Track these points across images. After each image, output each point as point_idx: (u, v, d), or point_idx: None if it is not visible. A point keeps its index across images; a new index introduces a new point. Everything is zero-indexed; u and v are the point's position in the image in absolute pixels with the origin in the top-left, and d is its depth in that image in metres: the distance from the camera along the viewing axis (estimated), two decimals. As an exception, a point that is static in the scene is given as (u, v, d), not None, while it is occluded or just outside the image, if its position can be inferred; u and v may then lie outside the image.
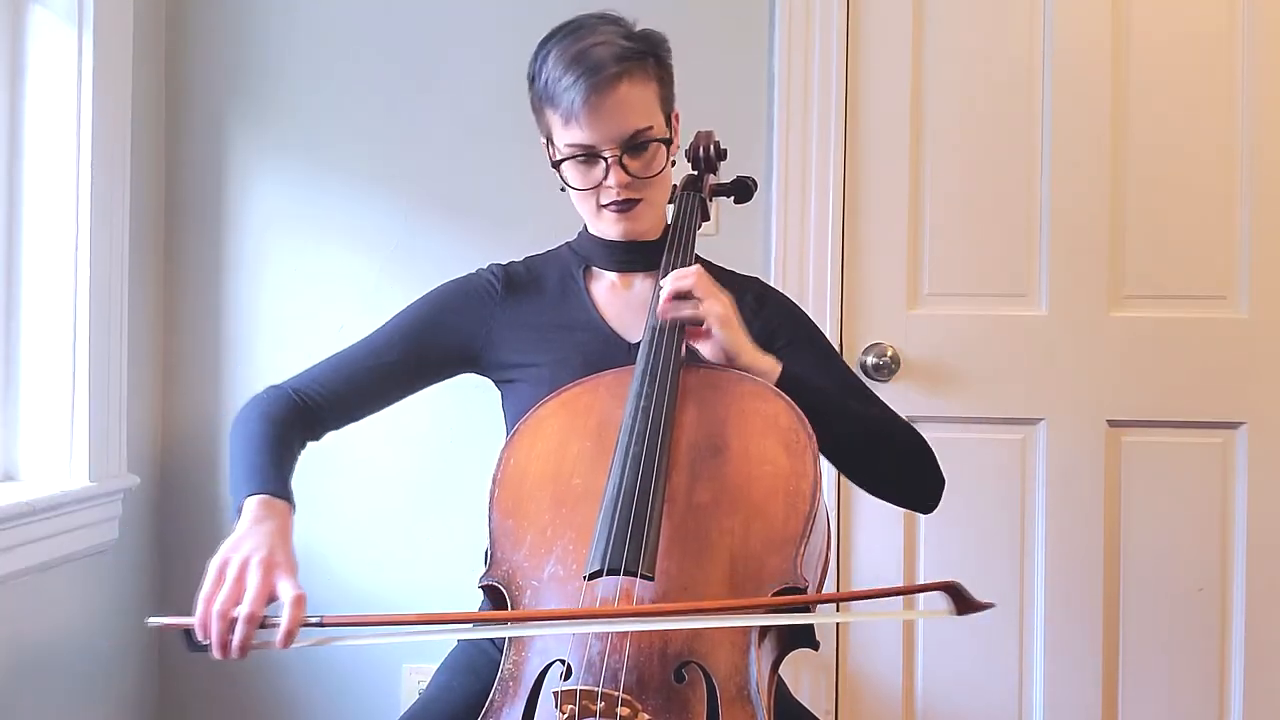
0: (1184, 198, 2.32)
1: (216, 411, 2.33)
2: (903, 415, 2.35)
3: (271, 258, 2.34)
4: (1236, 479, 2.32)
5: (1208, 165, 2.32)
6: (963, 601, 1.16)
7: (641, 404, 1.38)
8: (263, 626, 1.23)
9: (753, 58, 2.31)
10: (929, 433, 1.53)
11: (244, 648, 1.23)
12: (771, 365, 1.47)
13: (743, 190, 1.76)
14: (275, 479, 1.41)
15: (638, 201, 1.53)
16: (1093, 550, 2.31)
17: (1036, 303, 2.34)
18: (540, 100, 1.54)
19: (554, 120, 1.52)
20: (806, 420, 1.40)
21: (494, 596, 1.35)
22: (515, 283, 1.64)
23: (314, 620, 1.22)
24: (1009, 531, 2.33)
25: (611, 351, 1.55)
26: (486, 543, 1.39)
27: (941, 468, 1.58)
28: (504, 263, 1.68)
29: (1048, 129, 2.33)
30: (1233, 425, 2.32)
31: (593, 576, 1.24)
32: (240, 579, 1.26)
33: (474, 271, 1.67)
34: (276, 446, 1.46)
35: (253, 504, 1.36)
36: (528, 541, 1.35)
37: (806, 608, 1.27)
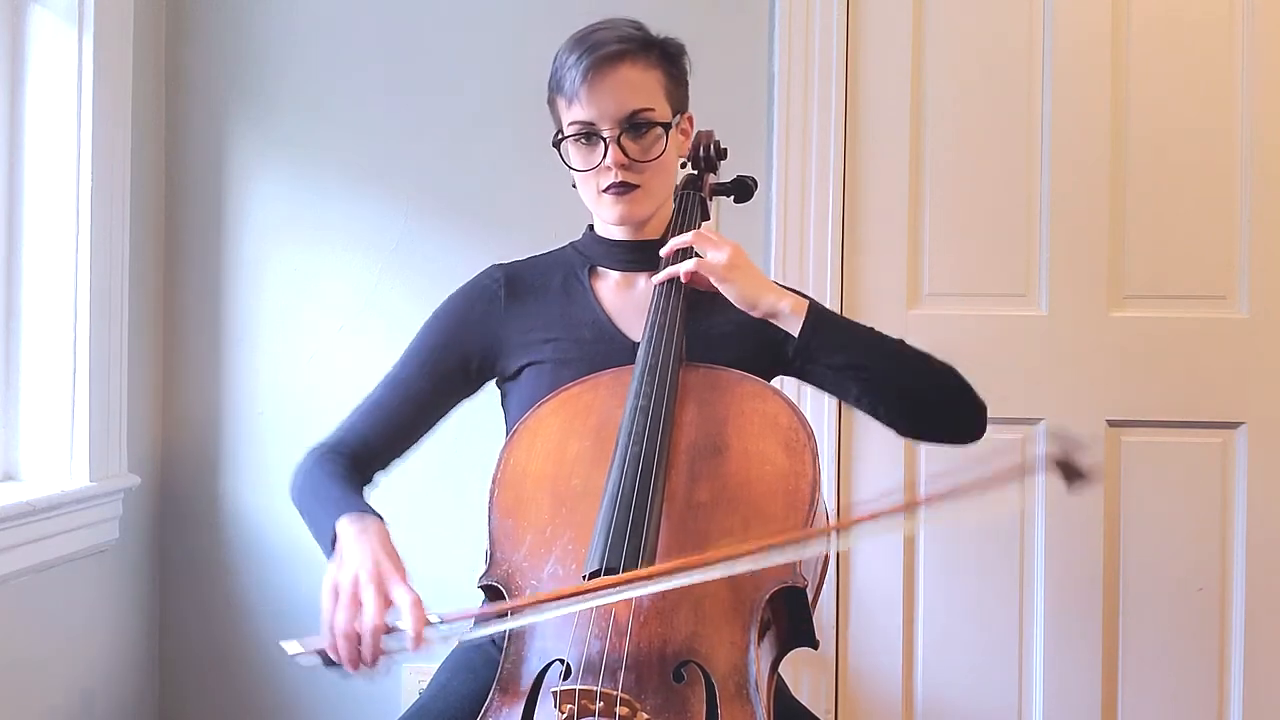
0: (1184, 198, 2.32)
1: (217, 411, 2.34)
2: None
3: (271, 257, 2.34)
4: (1236, 479, 2.32)
5: (1208, 165, 2.32)
6: (1073, 472, 1.16)
7: (641, 403, 1.38)
8: (387, 633, 1.25)
9: (753, 58, 2.31)
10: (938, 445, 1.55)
11: (374, 659, 1.26)
12: (796, 301, 1.48)
13: (743, 190, 1.76)
14: (357, 502, 1.43)
15: (635, 186, 1.53)
16: (1093, 550, 2.31)
17: (1036, 303, 2.34)
18: (551, 91, 1.57)
19: (560, 104, 1.54)
20: (806, 420, 1.40)
21: (494, 597, 1.35)
22: (517, 282, 1.64)
23: (435, 619, 1.25)
24: (1009, 531, 2.33)
25: (615, 350, 1.55)
26: (486, 543, 1.39)
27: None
28: (505, 263, 1.68)
29: (1048, 129, 2.33)
30: (1233, 425, 2.32)
31: (593, 575, 1.24)
32: (355, 595, 1.28)
33: (474, 277, 1.67)
34: (345, 482, 1.49)
35: (344, 524, 1.37)
36: (527, 541, 1.35)
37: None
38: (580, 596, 1.22)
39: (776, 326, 1.50)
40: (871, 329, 1.55)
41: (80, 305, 2.03)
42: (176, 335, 2.35)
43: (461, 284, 1.67)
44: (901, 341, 1.55)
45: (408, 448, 1.63)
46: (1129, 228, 2.33)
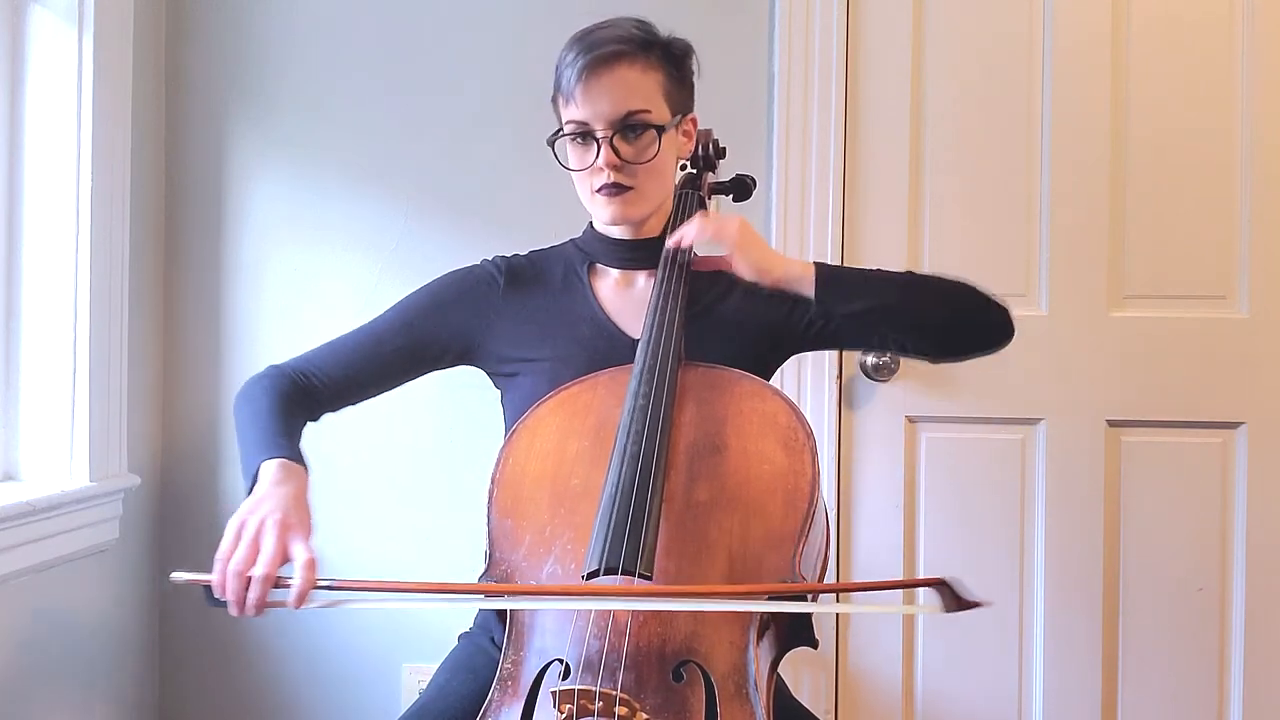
0: (1184, 197, 2.32)
1: (216, 412, 2.34)
2: (902, 415, 2.37)
3: (271, 257, 2.34)
4: (1236, 479, 2.32)
5: (1208, 166, 2.32)
6: (953, 599, 1.16)
7: (640, 403, 1.38)
8: (277, 586, 1.27)
9: (753, 58, 2.31)
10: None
11: (259, 606, 1.27)
12: (804, 267, 1.51)
13: (741, 188, 1.76)
14: (289, 445, 1.43)
15: (628, 188, 1.53)
16: (1092, 550, 2.31)
17: (1036, 303, 2.34)
18: (555, 88, 1.56)
19: (560, 102, 1.55)
20: (805, 419, 1.41)
21: (493, 596, 1.35)
22: (518, 275, 1.64)
23: (325, 583, 1.26)
24: (1009, 531, 2.33)
25: (615, 347, 1.55)
26: (485, 542, 1.39)
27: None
28: (507, 255, 1.68)
29: (1048, 129, 2.32)
30: (1233, 425, 2.32)
31: (591, 576, 1.24)
32: (256, 539, 1.29)
33: (477, 263, 1.68)
34: (285, 417, 1.48)
35: (271, 467, 1.38)
36: (526, 541, 1.35)
37: (803, 596, 1.28)
38: (560, 596, 1.25)
39: (778, 307, 1.52)
40: (879, 270, 1.59)
41: (80, 305, 2.03)
42: (176, 336, 2.35)
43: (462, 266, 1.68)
44: (910, 272, 1.61)
45: (364, 399, 1.64)
46: (1129, 228, 2.32)
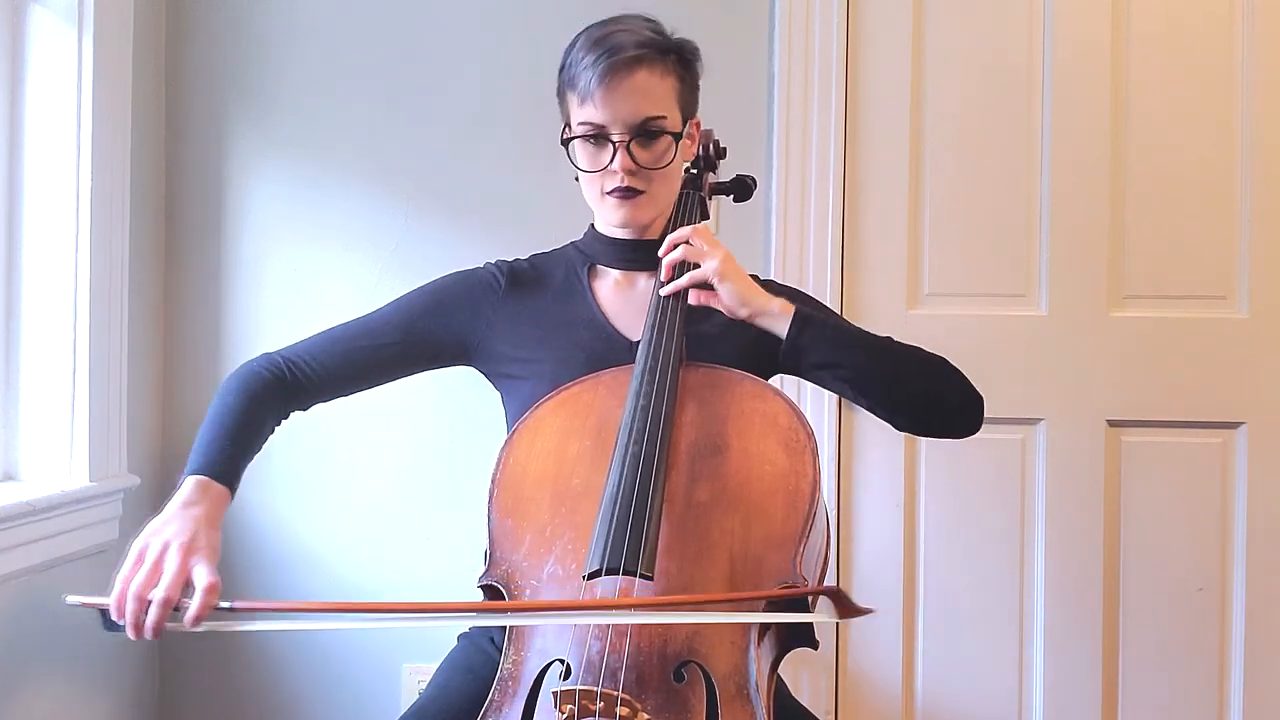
0: (1184, 198, 2.32)
1: (216, 411, 2.33)
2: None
3: (271, 257, 2.34)
4: (1236, 479, 2.32)
5: (1207, 165, 2.32)
6: (844, 606, 1.17)
7: (641, 403, 1.38)
8: (176, 609, 1.28)
9: (753, 58, 2.31)
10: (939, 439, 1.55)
11: (156, 629, 1.28)
12: (783, 306, 1.49)
13: (742, 189, 1.76)
14: (223, 461, 1.43)
15: (640, 192, 1.53)
16: (1093, 550, 2.31)
17: (1036, 303, 2.34)
18: (563, 84, 1.56)
19: (572, 101, 1.54)
20: (806, 419, 1.41)
21: (493, 597, 1.35)
22: (519, 278, 1.64)
23: (224, 606, 1.27)
24: (1009, 531, 2.33)
25: (614, 349, 1.55)
26: (486, 542, 1.39)
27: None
28: (509, 259, 1.68)
29: (1048, 129, 2.33)
30: (1233, 425, 2.32)
31: (592, 576, 1.24)
32: (158, 563, 1.30)
33: (479, 265, 1.68)
34: (244, 428, 1.48)
35: (189, 485, 1.40)
36: (527, 541, 1.35)
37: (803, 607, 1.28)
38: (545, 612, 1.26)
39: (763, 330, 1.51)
40: (859, 328, 1.56)
41: (80, 305, 2.03)
42: (176, 335, 2.34)
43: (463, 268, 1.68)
44: (890, 339, 1.56)
45: (355, 391, 1.63)
46: (1129, 228, 2.33)
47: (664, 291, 1.50)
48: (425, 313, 1.63)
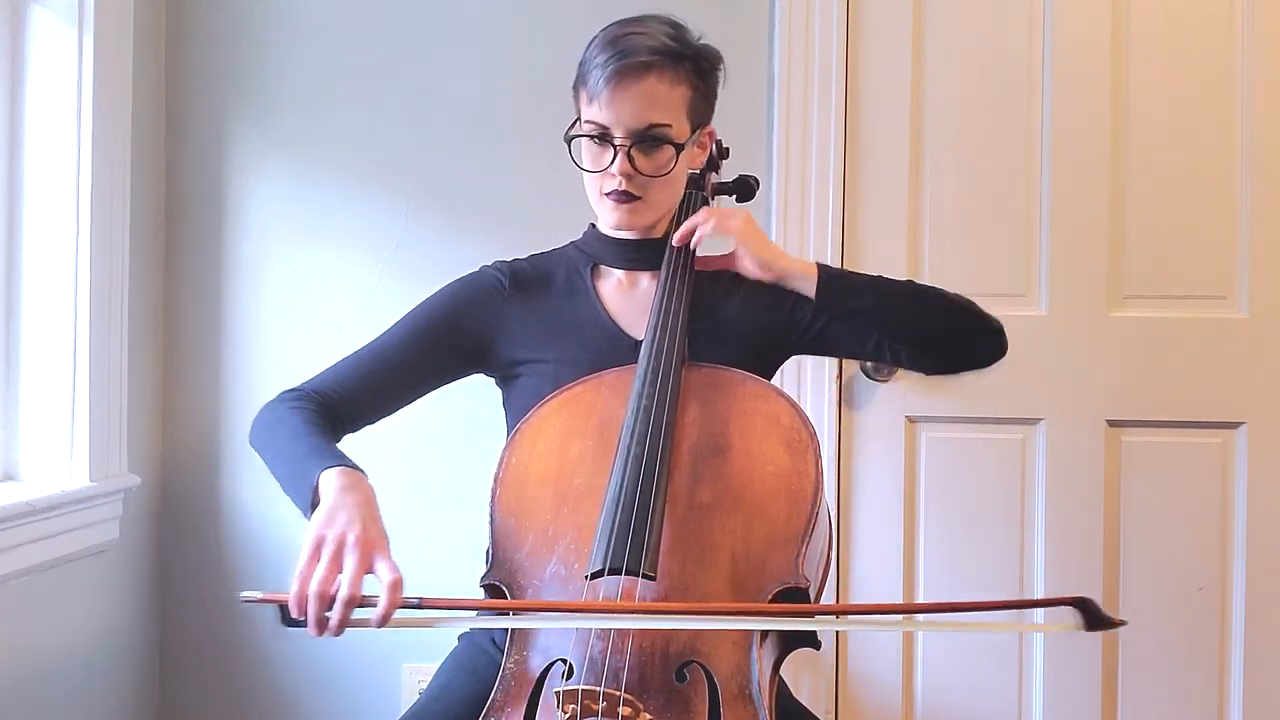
0: (1184, 197, 2.32)
1: (217, 411, 2.33)
2: (902, 415, 2.37)
3: (272, 257, 2.34)
4: (1236, 479, 2.32)
5: (1207, 165, 2.32)
6: (1094, 618, 1.14)
7: (643, 404, 1.38)
8: (360, 605, 1.22)
9: (753, 58, 2.31)
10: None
11: (340, 628, 1.23)
12: (806, 265, 1.53)
13: (745, 189, 1.77)
14: (341, 455, 1.38)
15: (637, 198, 1.52)
16: (1093, 550, 2.31)
17: (1036, 303, 2.34)
18: (577, 79, 1.55)
19: (582, 97, 1.54)
20: (809, 419, 1.41)
21: (495, 596, 1.35)
22: (522, 278, 1.64)
23: (413, 601, 1.22)
24: (1009, 531, 2.33)
25: (618, 349, 1.55)
26: (488, 542, 1.39)
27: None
28: (507, 260, 1.68)
29: (1048, 129, 2.32)
30: (1233, 425, 2.32)
31: (594, 576, 1.24)
32: (337, 557, 1.24)
33: (478, 270, 1.66)
34: (324, 432, 1.44)
35: (332, 475, 1.32)
36: (529, 541, 1.35)
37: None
38: (581, 614, 1.23)
39: (778, 308, 1.53)
40: (880, 276, 1.61)
41: (80, 306, 2.03)
42: (176, 335, 2.34)
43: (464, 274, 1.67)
44: (910, 281, 1.62)
45: (376, 419, 1.59)
46: (1129, 228, 2.33)
47: (676, 237, 1.55)
48: (437, 325, 1.61)
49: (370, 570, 1.24)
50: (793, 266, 1.54)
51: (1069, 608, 1.14)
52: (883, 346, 1.57)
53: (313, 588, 1.22)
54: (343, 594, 1.22)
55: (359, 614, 1.23)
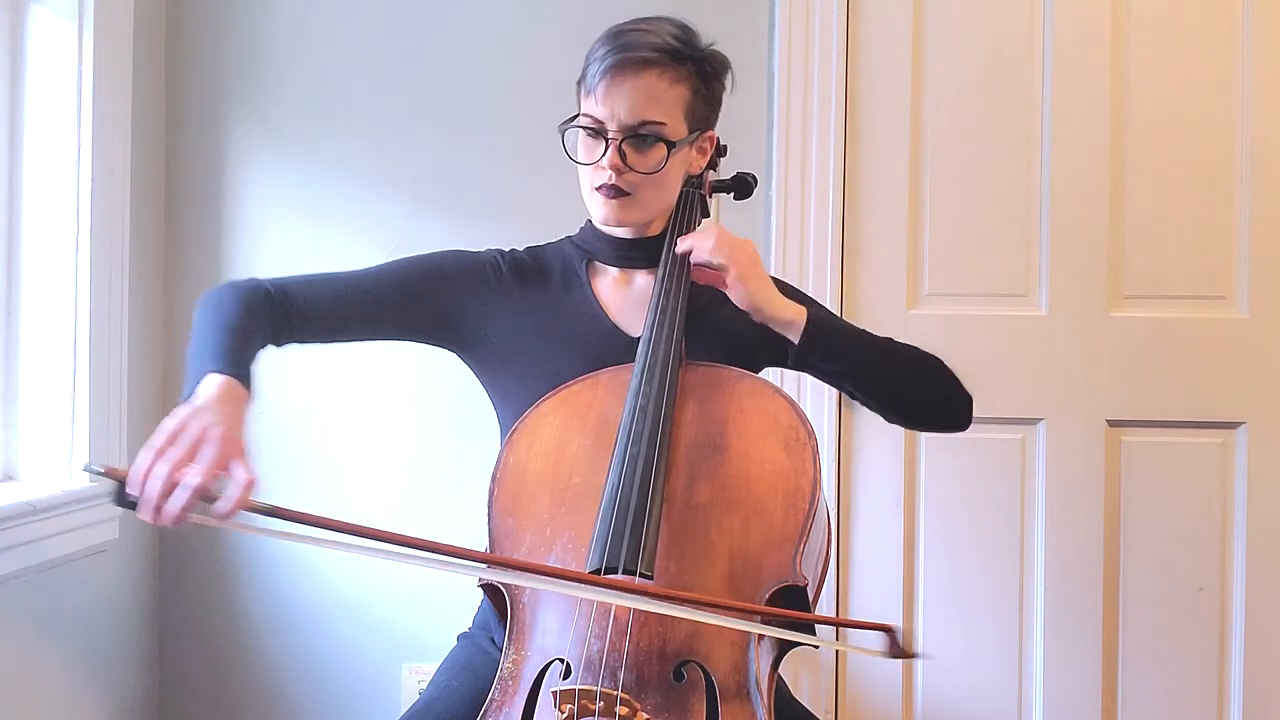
0: (1184, 197, 2.32)
1: (216, 411, 2.33)
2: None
3: (272, 256, 2.34)
4: (1236, 479, 2.32)
5: (1208, 165, 2.32)
6: (897, 647, 1.21)
7: (640, 402, 1.38)
8: (204, 498, 1.15)
9: (753, 57, 2.31)
10: (929, 432, 1.56)
11: (180, 517, 1.15)
12: (798, 311, 1.51)
13: (743, 186, 1.76)
14: (242, 365, 1.33)
15: (627, 194, 1.52)
16: (1092, 550, 2.31)
17: (1036, 303, 2.34)
18: (582, 74, 1.54)
19: (581, 90, 1.53)
20: (807, 418, 1.41)
21: (494, 595, 1.35)
22: (520, 269, 1.63)
23: (265, 507, 1.16)
24: (1009, 531, 2.33)
25: (614, 345, 1.55)
26: (485, 541, 1.39)
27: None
28: (506, 249, 1.67)
29: (1048, 129, 2.33)
30: (1233, 425, 2.32)
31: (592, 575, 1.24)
32: (196, 445, 1.17)
33: (482, 250, 1.65)
34: (247, 334, 1.39)
35: (218, 381, 1.27)
36: (527, 540, 1.35)
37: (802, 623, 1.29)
38: (547, 577, 1.23)
39: (767, 328, 1.52)
40: (864, 332, 1.59)
41: (80, 305, 2.03)
42: (176, 335, 2.34)
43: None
44: (891, 341, 1.59)
45: (330, 341, 1.57)
46: (1129, 228, 2.33)
47: (680, 248, 1.53)
48: (428, 277, 1.59)
49: (224, 470, 1.17)
50: (782, 314, 1.49)
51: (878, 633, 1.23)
52: (855, 397, 1.60)
53: (160, 468, 1.14)
54: (190, 480, 1.14)
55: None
